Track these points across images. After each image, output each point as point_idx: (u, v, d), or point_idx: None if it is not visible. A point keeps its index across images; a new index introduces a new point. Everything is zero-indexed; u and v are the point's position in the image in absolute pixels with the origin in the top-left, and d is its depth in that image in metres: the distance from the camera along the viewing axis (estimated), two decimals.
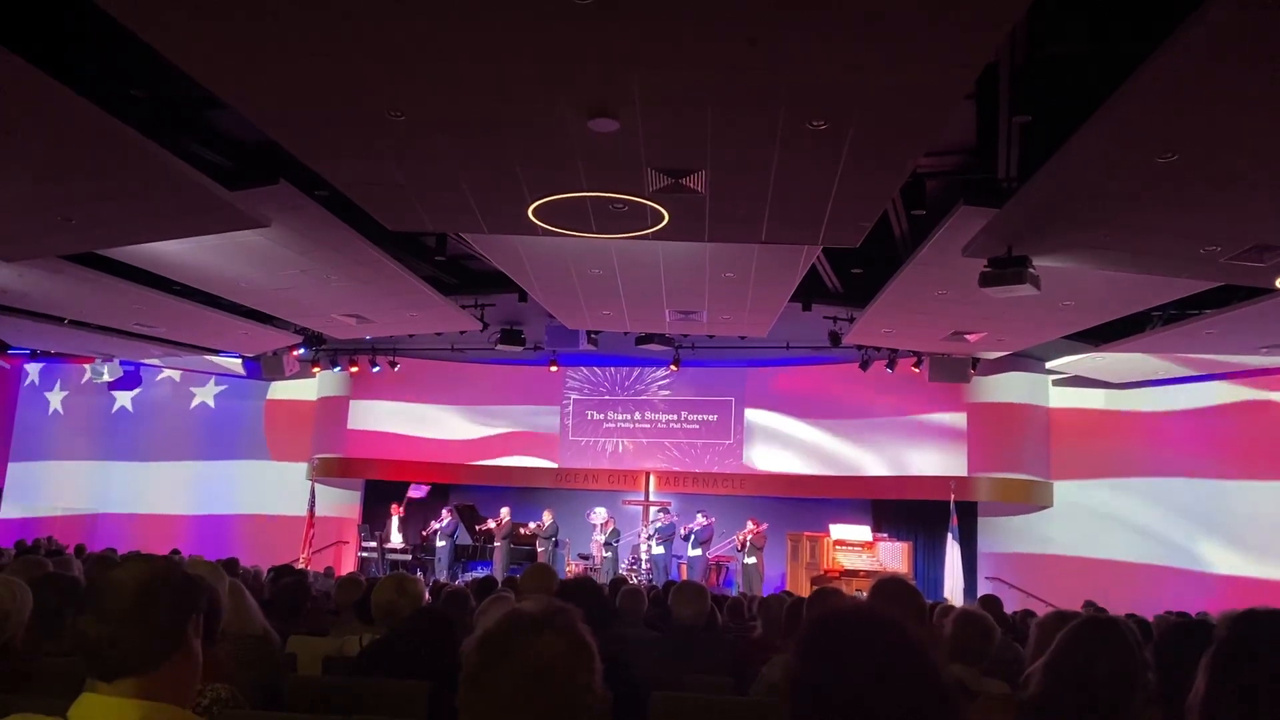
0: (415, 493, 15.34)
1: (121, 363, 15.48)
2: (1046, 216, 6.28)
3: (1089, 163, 5.40)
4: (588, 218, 6.70)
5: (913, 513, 14.16)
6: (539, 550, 13.78)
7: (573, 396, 16.09)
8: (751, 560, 13.10)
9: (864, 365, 13.09)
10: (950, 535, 12.82)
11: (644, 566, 13.79)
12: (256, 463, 16.29)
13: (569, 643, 1.38)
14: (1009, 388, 13.63)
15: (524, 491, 15.45)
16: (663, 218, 6.62)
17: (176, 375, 16.76)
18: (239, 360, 15.17)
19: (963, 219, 6.79)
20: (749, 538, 13.20)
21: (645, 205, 6.35)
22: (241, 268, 9.10)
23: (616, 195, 6.19)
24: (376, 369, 14.66)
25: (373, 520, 15.14)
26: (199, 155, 6.87)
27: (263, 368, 14.22)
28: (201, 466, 16.38)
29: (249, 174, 7.05)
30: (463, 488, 15.99)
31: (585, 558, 14.28)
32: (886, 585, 2.96)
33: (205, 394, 16.74)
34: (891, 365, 12.88)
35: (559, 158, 5.58)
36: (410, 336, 13.11)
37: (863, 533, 12.95)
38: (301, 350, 13.61)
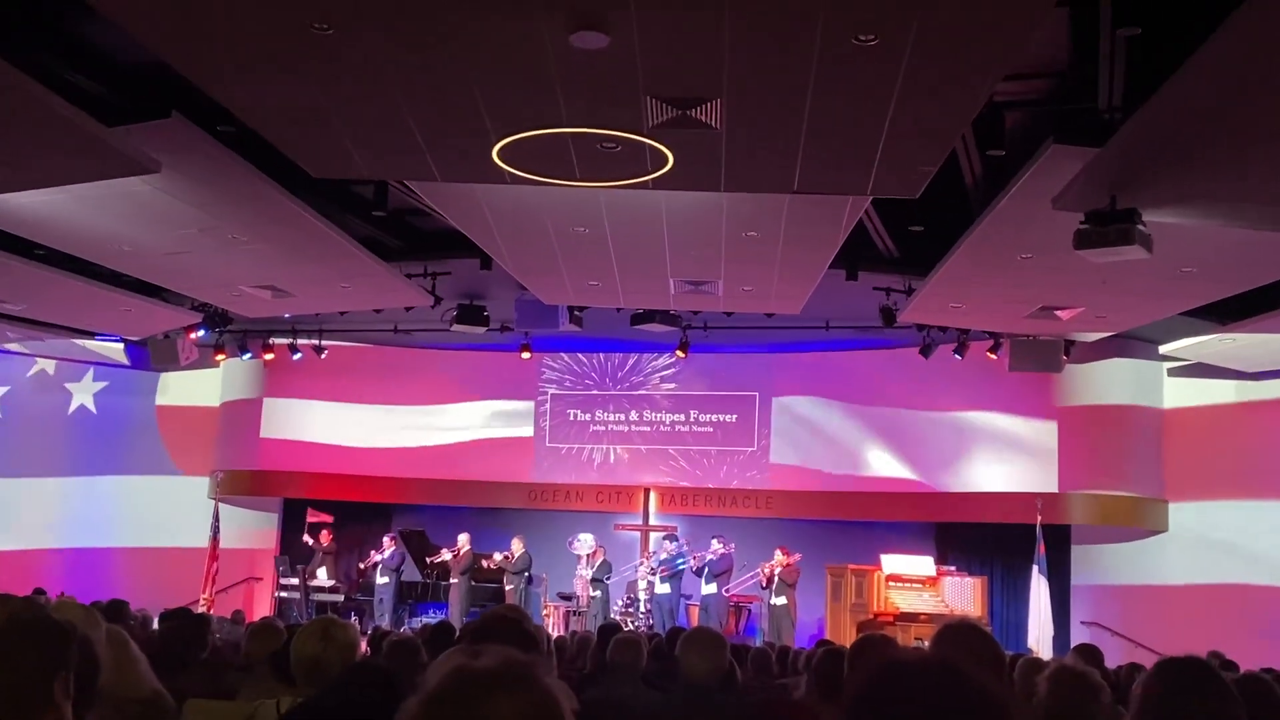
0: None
1: None
2: (1162, 157, 6.27)
3: (1218, 86, 5.38)
4: (570, 161, 6.68)
5: (987, 540, 14.21)
6: (507, 588, 13.83)
7: (550, 391, 16.10)
8: (781, 600, 13.15)
9: (925, 351, 13.09)
10: (1036, 568, 12.85)
11: (643, 609, 13.84)
12: (146, 479, 16.31)
13: (533, 703, 1.37)
14: (1112, 380, 13.65)
15: (488, 513, 15.48)
16: (666, 161, 6.61)
17: (51, 367, 16.72)
18: (120, 345, 15.15)
19: (1053, 161, 6.78)
20: (777, 571, 13.23)
21: (643, 145, 6.34)
22: (123, 225, 9.08)
23: (606, 132, 6.17)
24: (298, 356, 14.64)
25: (293, 550, 15.16)
26: (67, 80, 6.83)
27: (151, 355, 14.21)
28: (74, 484, 16.38)
29: (132, 105, 7.02)
30: (410, 509, 16.01)
31: (567, 598, 14.32)
32: (954, 631, 2.97)
33: (83, 392, 16.70)
34: (961, 351, 12.88)
35: (532, 83, 5.56)
36: (341, 314, 13.09)
37: (923, 565, 12.98)
38: (201, 332, 13.57)
